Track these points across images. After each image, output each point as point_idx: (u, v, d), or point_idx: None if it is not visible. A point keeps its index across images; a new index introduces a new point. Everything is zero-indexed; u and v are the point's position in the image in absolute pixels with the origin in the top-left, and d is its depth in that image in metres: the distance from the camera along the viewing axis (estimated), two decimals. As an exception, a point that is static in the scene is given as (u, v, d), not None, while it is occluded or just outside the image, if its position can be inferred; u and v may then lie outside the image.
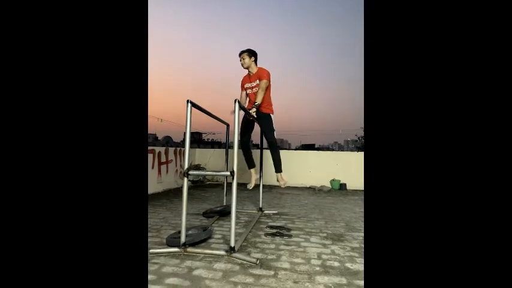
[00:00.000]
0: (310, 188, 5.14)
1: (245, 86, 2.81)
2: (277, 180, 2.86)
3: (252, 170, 2.96)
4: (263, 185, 3.09)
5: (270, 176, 5.20)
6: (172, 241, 1.75)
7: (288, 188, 5.04)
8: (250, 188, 2.89)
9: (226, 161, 3.17)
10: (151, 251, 1.65)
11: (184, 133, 1.78)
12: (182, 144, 5.44)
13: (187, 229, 1.88)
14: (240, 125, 2.02)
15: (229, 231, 1.78)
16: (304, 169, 5.35)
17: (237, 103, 1.70)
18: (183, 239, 1.69)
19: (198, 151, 5.98)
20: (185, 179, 1.73)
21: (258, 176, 3.03)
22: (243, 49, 2.75)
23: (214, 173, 1.84)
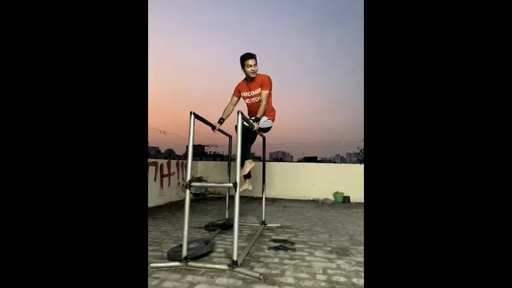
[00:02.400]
0: (313, 200, 5.07)
1: (243, 95, 2.49)
2: (245, 186, 2.51)
3: (247, 162, 2.43)
4: (265, 198, 3.02)
5: (272, 189, 5.17)
6: (174, 255, 1.71)
7: (291, 200, 4.98)
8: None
9: (229, 173, 3.15)
10: (151, 265, 1.61)
11: (187, 146, 1.78)
12: (184, 157, 5.44)
13: (188, 242, 1.84)
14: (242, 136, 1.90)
15: (232, 244, 1.74)
16: (307, 182, 5.30)
17: (239, 115, 1.71)
18: (184, 252, 1.66)
19: (200, 163, 5.97)
20: (187, 191, 1.71)
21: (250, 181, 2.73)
22: (249, 52, 2.36)
23: (216, 185, 1.83)
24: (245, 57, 2.34)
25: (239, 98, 2.53)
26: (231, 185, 1.64)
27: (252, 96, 2.45)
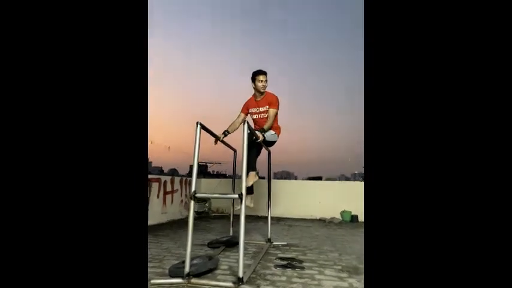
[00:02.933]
0: (320, 220, 4.91)
1: (251, 110, 2.58)
2: (248, 202, 2.45)
3: (251, 173, 2.36)
4: (270, 217, 2.92)
5: (277, 208, 5.03)
6: (176, 271, 1.62)
7: (297, 219, 4.82)
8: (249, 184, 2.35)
9: (233, 190, 3.09)
10: (152, 281, 1.52)
11: (191, 165, 1.75)
12: (188, 174, 5.40)
13: (191, 258, 1.75)
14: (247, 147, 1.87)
15: (237, 262, 1.65)
16: (313, 200, 5.16)
17: (245, 125, 1.70)
18: (187, 268, 1.57)
19: (204, 181, 5.90)
20: (192, 201, 1.66)
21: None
22: (261, 69, 2.47)
23: (221, 196, 1.77)
24: (257, 73, 2.46)
25: (247, 115, 2.62)
26: (237, 196, 1.59)
27: (260, 112, 2.54)
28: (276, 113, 2.48)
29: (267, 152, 2.82)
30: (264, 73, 2.45)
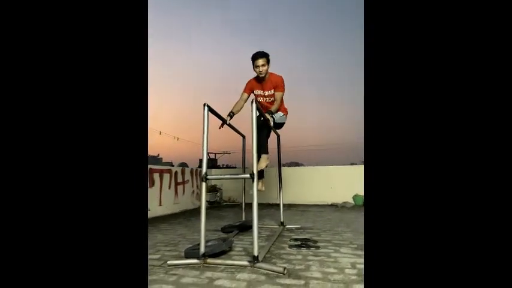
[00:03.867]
0: (331, 205, 4.87)
1: (255, 92, 2.41)
2: (260, 185, 2.42)
3: (263, 156, 2.32)
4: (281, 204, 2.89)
5: (288, 195, 5.00)
6: (191, 253, 1.63)
7: (309, 205, 4.81)
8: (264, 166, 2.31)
9: (244, 181, 3.07)
10: (168, 262, 1.53)
11: (200, 159, 1.74)
12: (199, 166, 5.43)
13: (206, 241, 1.76)
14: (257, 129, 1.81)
15: (251, 244, 1.64)
16: (324, 186, 5.12)
17: (254, 104, 1.66)
18: (202, 249, 1.57)
19: (214, 171, 5.94)
20: (203, 184, 1.65)
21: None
22: (259, 51, 2.24)
23: (233, 176, 1.76)
24: (253, 58, 2.25)
25: (249, 95, 2.42)
26: (248, 175, 1.57)
27: (265, 96, 2.39)
28: (283, 95, 2.37)
29: (276, 136, 2.78)
30: (260, 56, 2.22)
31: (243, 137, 2.88)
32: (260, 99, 2.42)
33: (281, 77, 2.34)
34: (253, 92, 2.42)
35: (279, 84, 2.31)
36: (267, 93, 2.37)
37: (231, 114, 2.27)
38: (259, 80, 2.35)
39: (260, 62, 2.22)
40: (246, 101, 2.43)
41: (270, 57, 2.29)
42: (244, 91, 2.42)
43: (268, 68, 2.28)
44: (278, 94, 2.32)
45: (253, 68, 2.29)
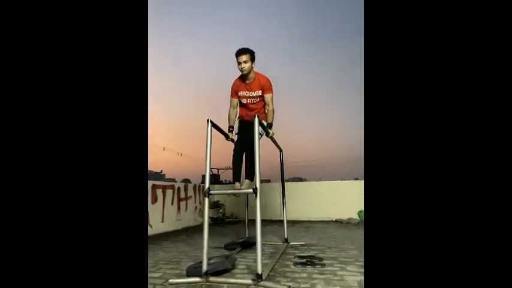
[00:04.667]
0: (336, 221, 4.77)
1: (240, 94, 2.26)
2: (243, 184, 2.26)
3: (238, 184, 2.26)
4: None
5: (291, 212, 4.92)
6: (193, 271, 1.60)
7: (313, 222, 4.71)
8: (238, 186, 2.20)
9: (247, 196, 3.05)
10: (170, 281, 1.50)
11: (203, 175, 1.75)
12: (202, 182, 5.42)
13: (208, 258, 1.72)
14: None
15: (254, 261, 1.61)
16: (328, 201, 5.04)
17: (256, 118, 1.68)
18: (204, 267, 1.54)
19: (217, 187, 5.90)
20: (206, 199, 1.64)
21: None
22: (243, 47, 2.11)
23: (236, 191, 1.75)
24: (237, 53, 2.11)
25: (241, 100, 2.32)
26: (251, 190, 1.56)
27: (250, 97, 2.26)
28: (272, 97, 2.26)
29: (278, 151, 2.79)
30: (243, 52, 2.09)
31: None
32: (245, 100, 2.28)
33: (267, 78, 2.24)
34: (237, 94, 2.28)
35: (267, 86, 2.20)
36: (253, 93, 2.23)
37: (231, 129, 2.26)
38: (244, 80, 2.22)
39: (243, 58, 2.09)
40: (237, 107, 2.34)
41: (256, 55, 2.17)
42: (232, 96, 2.31)
43: (252, 65, 2.15)
44: (268, 96, 2.21)
45: (237, 65, 2.15)
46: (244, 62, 2.10)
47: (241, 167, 2.30)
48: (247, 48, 2.12)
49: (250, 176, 2.27)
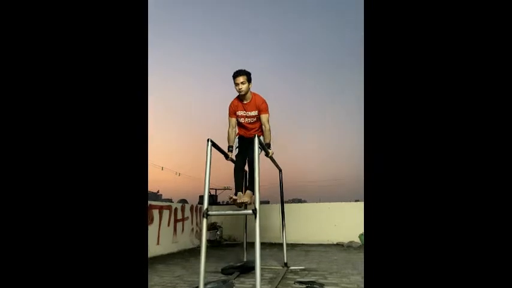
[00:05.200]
0: (337, 244, 4.64)
1: (238, 113, 2.32)
2: (246, 198, 2.22)
3: (240, 193, 2.30)
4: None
5: (291, 234, 4.80)
6: (189, 297, 1.52)
7: (313, 245, 4.58)
8: (237, 200, 2.16)
9: (245, 218, 2.99)
10: (164, 308, 1.42)
11: (200, 196, 1.74)
12: (199, 203, 5.29)
13: (205, 283, 1.65)
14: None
15: (253, 287, 1.54)
16: (328, 223, 4.93)
17: (256, 138, 1.70)
18: (201, 293, 1.47)
19: (214, 208, 5.79)
20: (204, 220, 1.61)
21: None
22: (240, 69, 2.19)
23: (235, 212, 1.72)
24: (233, 76, 2.20)
25: (237, 118, 2.37)
26: (250, 211, 1.54)
27: (247, 117, 2.32)
28: (269, 117, 2.31)
29: (278, 171, 2.78)
30: (240, 74, 2.16)
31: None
32: (242, 120, 2.34)
33: (263, 99, 2.30)
34: (235, 114, 2.34)
35: (263, 108, 2.26)
36: (250, 113, 2.30)
37: (230, 149, 2.28)
38: (242, 100, 2.29)
39: (240, 79, 2.16)
40: (235, 127, 2.39)
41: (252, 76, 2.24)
42: (230, 116, 2.36)
43: (249, 86, 2.22)
44: (265, 117, 2.27)
45: (235, 86, 2.22)
46: (242, 83, 2.16)
47: (242, 179, 2.33)
48: (244, 70, 2.19)
49: (250, 188, 2.28)
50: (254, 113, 2.29)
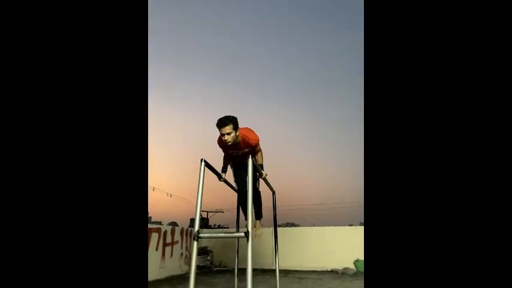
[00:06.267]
0: (331, 271, 4.48)
1: (229, 151, 2.21)
2: (258, 229, 2.33)
3: (258, 222, 2.34)
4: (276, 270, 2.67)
5: (283, 260, 4.64)
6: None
7: (306, 272, 4.41)
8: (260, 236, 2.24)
9: (238, 240, 2.90)
10: None
11: (191, 218, 1.70)
12: (190, 226, 5.12)
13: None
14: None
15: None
16: (321, 249, 4.80)
17: (250, 158, 1.69)
18: (187, 324, 1.37)
19: (206, 231, 5.60)
20: (195, 243, 1.55)
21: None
22: (223, 118, 1.94)
23: (227, 235, 1.66)
24: (218, 125, 1.96)
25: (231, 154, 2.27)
26: (243, 234, 1.49)
27: (238, 154, 2.22)
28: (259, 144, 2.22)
29: (271, 193, 2.75)
30: (224, 125, 1.92)
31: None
32: (234, 154, 2.23)
33: (252, 131, 2.15)
34: (225, 149, 2.22)
35: (253, 143, 2.12)
36: (240, 152, 2.18)
37: (224, 170, 2.26)
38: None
39: (226, 129, 1.92)
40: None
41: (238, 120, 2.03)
42: (223, 151, 2.26)
43: (236, 133, 1.98)
44: (256, 147, 2.17)
45: (220, 135, 2.01)
46: (228, 134, 1.93)
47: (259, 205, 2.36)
48: (228, 118, 1.95)
49: (256, 216, 2.36)
50: (245, 150, 2.15)
